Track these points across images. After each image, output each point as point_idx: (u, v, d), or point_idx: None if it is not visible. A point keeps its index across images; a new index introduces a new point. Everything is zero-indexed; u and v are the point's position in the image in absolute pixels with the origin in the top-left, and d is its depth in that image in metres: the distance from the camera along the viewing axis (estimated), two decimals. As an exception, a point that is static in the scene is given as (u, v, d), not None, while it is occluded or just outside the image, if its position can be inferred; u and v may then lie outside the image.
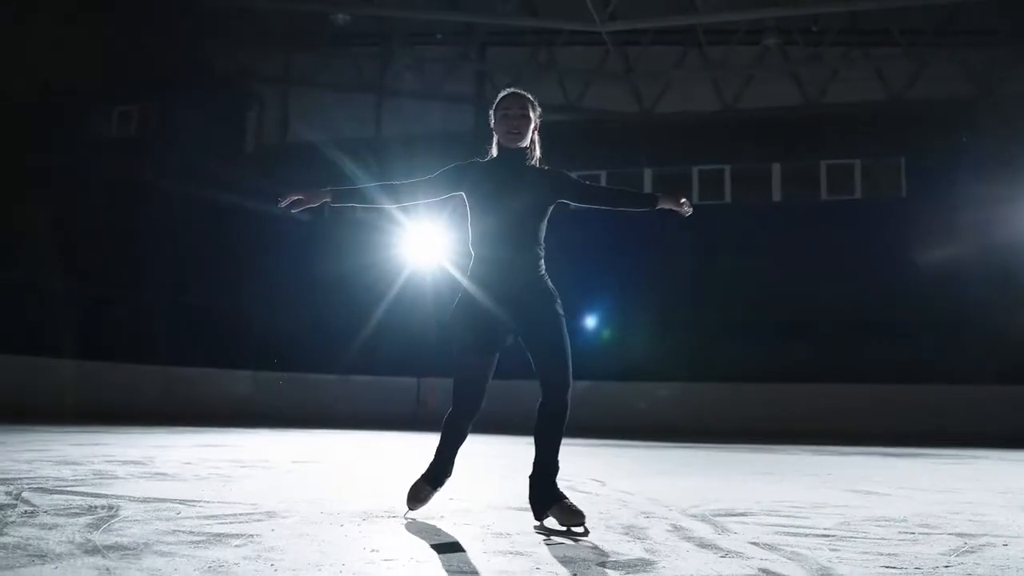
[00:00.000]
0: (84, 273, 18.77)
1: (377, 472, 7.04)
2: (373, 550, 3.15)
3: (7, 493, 4.45)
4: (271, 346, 19.37)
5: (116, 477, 5.49)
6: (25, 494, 4.43)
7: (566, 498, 3.77)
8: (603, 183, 20.54)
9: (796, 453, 10.68)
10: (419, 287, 18.96)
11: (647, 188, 20.49)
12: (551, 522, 3.79)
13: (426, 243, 19.00)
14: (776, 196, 19.90)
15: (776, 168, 19.82)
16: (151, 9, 22.39)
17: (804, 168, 19.78)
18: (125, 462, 6.61)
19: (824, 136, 19.90)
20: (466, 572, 2.83)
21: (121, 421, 13.23)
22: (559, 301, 3.92)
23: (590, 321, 18.92)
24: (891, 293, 17.83)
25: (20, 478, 5.14)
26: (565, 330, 3.86)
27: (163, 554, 2.93)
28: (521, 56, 21.58)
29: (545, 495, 3.79)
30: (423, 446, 10.55)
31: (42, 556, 2.82)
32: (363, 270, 19.29)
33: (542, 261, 3.99)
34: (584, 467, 7.54)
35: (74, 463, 6.34)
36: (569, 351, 3.83)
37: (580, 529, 3.65)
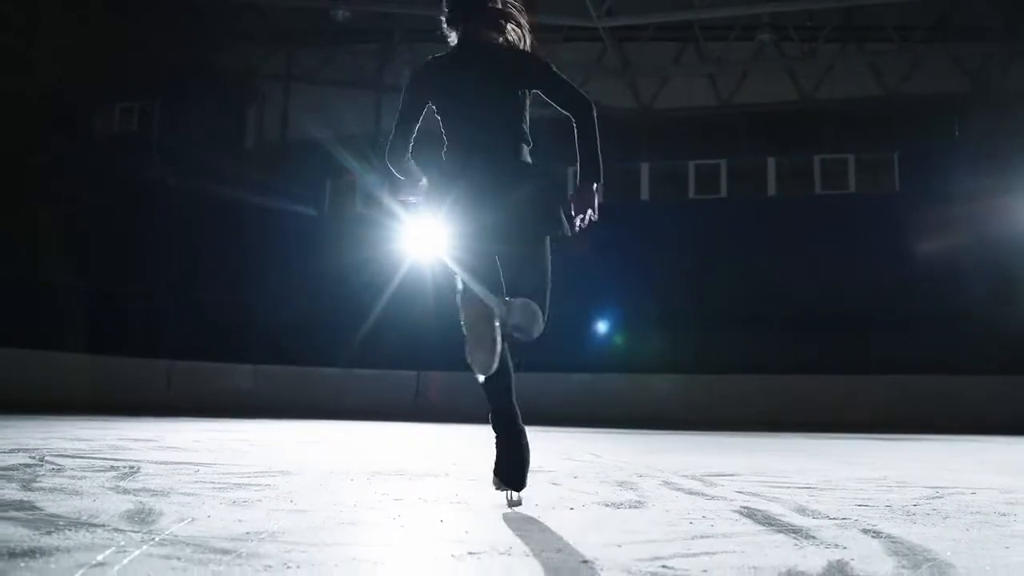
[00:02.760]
0: (88, 268, 18.97)
1: (382, 447, 7.27)
2: (383, 494, 3.39)
3: (31, 457, 4.68)
4: (273, 340, 19.57)
5: (130, 449, 5.72)
6: (48, 458, 4.65)
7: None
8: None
9: (790, 438, 10.91)
10: (418, 281, 19.16)
11: (644, 182, 20.70)
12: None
13: (425, 237, 19.19)
14: (771, 190, 20.10)
15: (771, 163, 20.03)
16: (153, 6, 22.61)
17: (799, 163, 19.98)
18: (136, 440, 6.83)
19: (819, 131, 20.12)
20: (472, 507, 3.06)
21: (125, 412, 13.42)
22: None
23: (591, 316, 19.10)
24: (885, 286, 18.02)
25: (39, 448, 5.35)
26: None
27: (189, 495, 3.16)
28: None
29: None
30: (423, 433, 10.81)
31: (79, 494, 3.05)
32: (363, 264, 19.49)
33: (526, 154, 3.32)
34: (581, 444, 7.77)
35: (87, 440, 6.56)
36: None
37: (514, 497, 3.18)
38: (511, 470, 3.14)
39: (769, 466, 5.48)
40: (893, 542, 2.36)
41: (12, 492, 3.04)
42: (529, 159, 3.30)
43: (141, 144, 22.17)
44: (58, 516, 2.48)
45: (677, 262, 19.03)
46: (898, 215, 18.56)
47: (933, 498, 3.59)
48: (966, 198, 17.63)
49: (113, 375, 17.13)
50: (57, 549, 1.98)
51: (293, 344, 19.27)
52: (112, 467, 4.24)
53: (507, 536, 2.38)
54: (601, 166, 3.18)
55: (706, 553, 2.14)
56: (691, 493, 3.65)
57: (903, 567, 2.02)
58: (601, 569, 1.90)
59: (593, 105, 3.26)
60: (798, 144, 20.01)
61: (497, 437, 3.21)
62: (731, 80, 21.26)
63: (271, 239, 21.14)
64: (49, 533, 2.18)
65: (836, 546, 2.28)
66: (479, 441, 8.49)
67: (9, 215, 19.00)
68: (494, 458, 3.20)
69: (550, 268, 3.24)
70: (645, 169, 20.69)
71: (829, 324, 18.10)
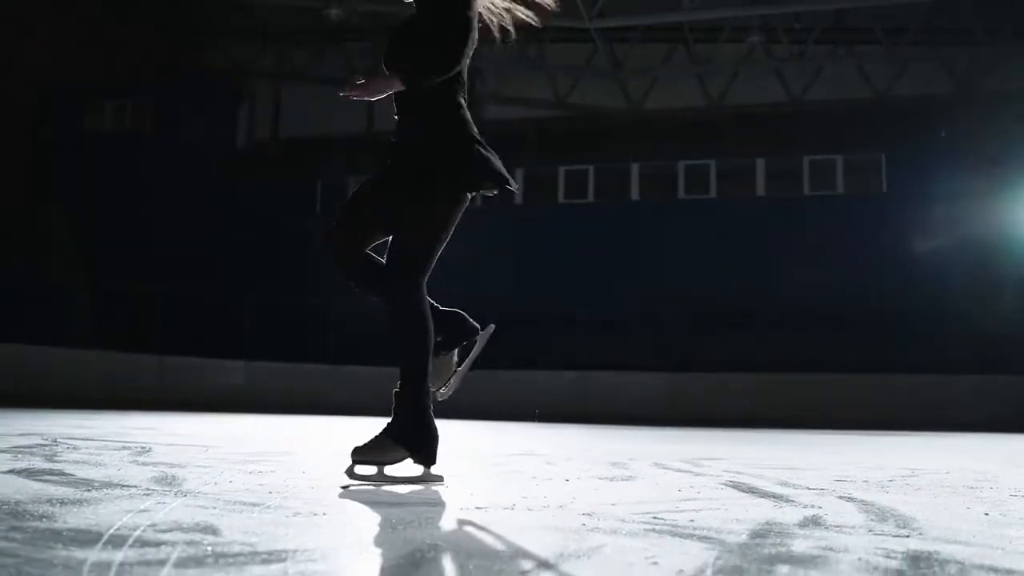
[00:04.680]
0: (80, 265, 19.10)
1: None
2: (391, 469, 3.58)
3: (43, 439, 4.83)
4: (263, 336, 19.69)
5: (135, 434, 5.88)
6: (60, 440, 4.81)
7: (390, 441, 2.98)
8: (591, 178, 20.98)
9: (777, 433, 11.13)
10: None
11: (634, 183, 20.92)
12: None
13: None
14: (760, 191, 20.34)
15: (760, 163, 20.26)
16: (144, 4, 22.75)
17: (787, 163, 20.22)
18: (138, 427, 6.99)
19: (807, 132, 20.34)
20: (475, 479, 3.26)
21: (116, 407, 13.54)
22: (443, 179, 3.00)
23: (579, 315, 19.27)
24: (871, 285, 18.26)
25: (47, 432, 5.50)
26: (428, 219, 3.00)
27: (206, 467, 3.34)
28: (510, 52, 21.99)
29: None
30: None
31: (103, 465, 3.23)
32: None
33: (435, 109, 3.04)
34: (573, 436, 7.97)
35: (91, 427, 6.71)
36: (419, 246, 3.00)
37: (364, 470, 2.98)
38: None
39: (755, 453, 5.70)
40: (865, 505, 2.57)
41: (39, 463, 3.22)
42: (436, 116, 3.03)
43: (133, 142, 22.30)
44: (91, 480, 2.66)
45: (666, 261, 19.24)
46: (885, 216, 18.83)
47: (908, 476, 3.80)
48: (952, 199, 17.91)
49: (103, 370, 17.19)
50: (100, 501, 2.16)
51: (283, 340, 19.38)
52: (124, 447, 4.41)
53: (510, 496, 2.57)
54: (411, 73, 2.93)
55: (693, 510, 2.33)
56: (679, 471, 3.85)
57: (871, 520, 2.22)
58: (599, 519, 2.10)
59: (446, 56, 2.94)
60: (787, 145, 20.24)
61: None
62: (721, 81, 21.50)
63: (262, 236, 21.26)
64: (88, 490, 2.36)
65: (812, 506, 2.48)
66: (473, 433, 8.70)
67: (3, 211, 19.12)
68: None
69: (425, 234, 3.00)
70: (635, 169, 20.90)
71: (816, 323, 18.31)
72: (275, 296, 20.26)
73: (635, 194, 20.98)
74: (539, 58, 21.98)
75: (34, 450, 3.91)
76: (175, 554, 1.48)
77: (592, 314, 19.00)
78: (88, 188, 21.48)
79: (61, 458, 3.50)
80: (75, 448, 4.14)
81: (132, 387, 17.23)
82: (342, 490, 2.68)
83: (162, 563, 1.41)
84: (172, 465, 3.34)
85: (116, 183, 21.54)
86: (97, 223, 21.06)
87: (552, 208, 20.84)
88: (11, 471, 2.86)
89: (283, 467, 3.44)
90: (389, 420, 3.01)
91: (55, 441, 4.67)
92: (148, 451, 4.15)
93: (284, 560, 1.48)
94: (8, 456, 3.50)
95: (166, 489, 2.47)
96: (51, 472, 2.88)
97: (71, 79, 22.34)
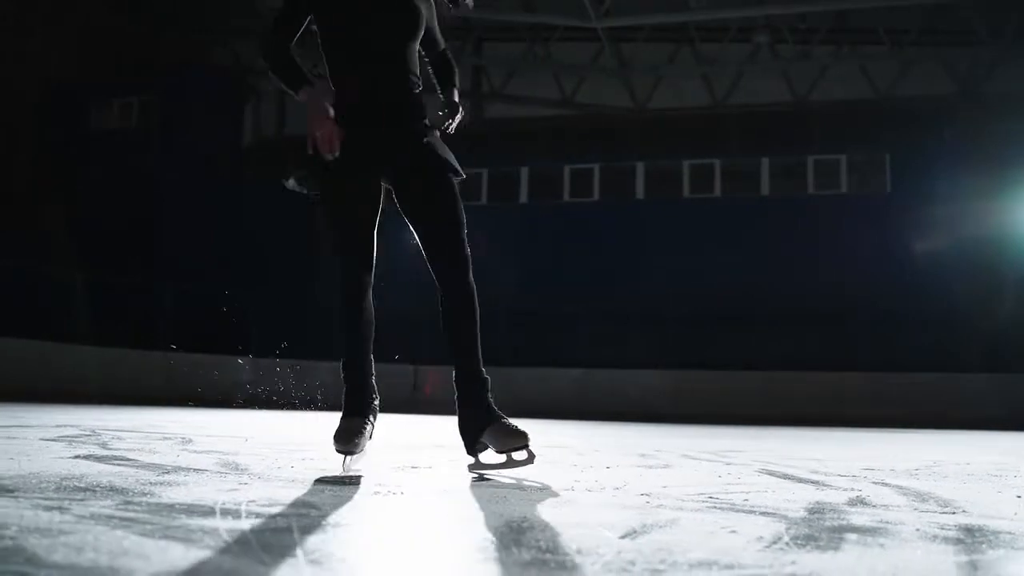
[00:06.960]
0: (87, 261, 19.18)
1: (406, 430, 7.56)
2: (433, 456, 3.71)
3: (81, 430, 4.94)
4: (271, 332, 19.78)
5: (167, 426, 5.98)
6: (99, 431, 4.92)
7: (503, 417, 2.85)
8: (596, 176, 21.08)
9: (787, 429, 11.25)
10: (414, 274, 19.36)
11: (639, 181, 21.02)
12: (488, 456, 2.91)
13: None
14: (764, 190, 20.44)
15: (765, 163, 20.35)
16: (149, 2, 22.85)
17: (792, 163, 20.32)
18: (165, 421, 7.08)
19: (812, 132, 20.46)
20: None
21: (125, 402, 13.61)
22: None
23: (583, 313, 19.38)
24: (875, 284, 18.37)
25: (80, 425, 5.60)
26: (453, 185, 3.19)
27: (257, 455, 3.46)
28: (517, 51, 22.10)
29: (477, 416, 2.89)
30: (422, 423, 11.10)
31: (159, 452, 3.34)
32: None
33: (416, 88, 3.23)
34: (593, 434, 8.09)
35: (118, 420, 6.81)
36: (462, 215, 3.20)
37: (523, 455, 2.79)
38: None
39: (775, 447, 5.82)
40: (901, 489, 2.69)
41: (97, 450, 3.33)
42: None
43: (140, 139, 22.40)
44: (160, 464, 2.78)
45: (671, 260, 19.36)
46: (889, 215, 18.95)
47: (932, 466, 3.93)
48: (956, 199, 18.02)
49: (111, 366, 17.26)
50: (185, 482, 2.27)
51: (291, 337, 19.44)
52: (165, 438, 4.53)
53: (563, 481, 2.69)
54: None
55: (743, 492, 2.46)
56: (711, 461, 3.98)
57: (913, 501, 2.34)
58: (659, 499, 2.22)
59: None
60: (791, 145, 20.34)
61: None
62: (726, 81, 21.61)
63: (268, 233, 21.37)
64: (165, 473, 2.48)
65: (853, 490, 2.61)
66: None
67: (5, 208, 19.21)
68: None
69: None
70: (640, 168, 20.99)
71: (820, 322, 18.40)
72: (280, 293, 20.38)
73: (640, 193, 21.08)
74: (545, 57, 22.08)
75: (82, 439, 4.03)
76: (294, 523, 1.60)
77: (596, 312, 19.09)
78: (94, 186, 21.57)
79: (114, 446, 3.61)
80: (120, 438, 4.26)
81: (140, 384, 17.32)
82: (398, 469, 2.80)
83: (288, 530, 1.53)
84: (226, 453, 3.46)
85: (122, 181, 21.64)
86: (102, 221, 21.16)
87: (557, 206, 20.96)
88: (77, 456, 2.98)
89: (333, 454, 3.55)
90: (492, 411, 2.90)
91: (94, 432, 4.78)
92: (191, 441, 4.27)
93: (399, 529, 1.60)
94: (63, 444, 3.62)
95: (238, 473, 2.59)
96: (115, 458, 2.99)
97: (77, 77, 22.44)
